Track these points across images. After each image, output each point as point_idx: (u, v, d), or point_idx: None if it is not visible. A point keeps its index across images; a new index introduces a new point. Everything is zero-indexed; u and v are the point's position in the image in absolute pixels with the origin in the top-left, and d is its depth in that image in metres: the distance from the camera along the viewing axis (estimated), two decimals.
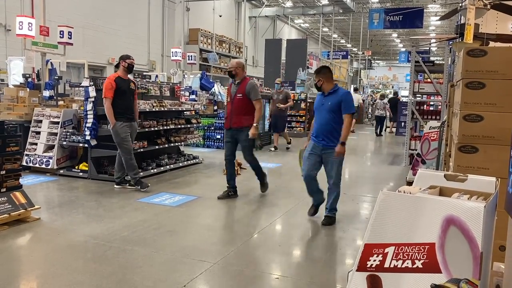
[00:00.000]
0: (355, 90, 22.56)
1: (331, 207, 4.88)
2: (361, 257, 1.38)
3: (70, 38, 8.29)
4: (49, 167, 6.91)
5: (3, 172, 4.50)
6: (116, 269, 3.46)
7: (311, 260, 3.89)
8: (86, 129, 6.56)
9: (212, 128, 11.05)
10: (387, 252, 1.35)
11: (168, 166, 7.59)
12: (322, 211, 5.05)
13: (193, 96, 11.57)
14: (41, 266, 3.55)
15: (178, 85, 9.59)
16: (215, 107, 12.47)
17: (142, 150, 7.11)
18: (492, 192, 1.52)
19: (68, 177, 6.78)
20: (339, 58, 25.48)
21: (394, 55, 40.83)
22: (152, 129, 7.28)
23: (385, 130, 18.13)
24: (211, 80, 14.34)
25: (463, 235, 1.26)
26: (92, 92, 6.52)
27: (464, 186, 1.66)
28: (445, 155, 4.35)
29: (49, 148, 7.05)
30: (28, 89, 7.61)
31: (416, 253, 1.31)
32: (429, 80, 9.39)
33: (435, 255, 1.29)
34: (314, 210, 5.10)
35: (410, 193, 1.43)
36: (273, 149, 11.04)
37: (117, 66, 6.27)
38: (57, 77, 8.01)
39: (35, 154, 7.03)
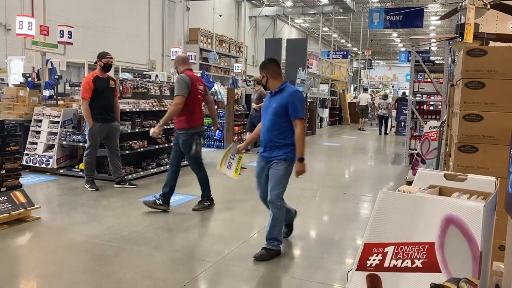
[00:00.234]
0: (365, 90, 22.76)
1: (269, 235, 3.84)
2: (361, 257, 1.38)
3: (70, 38, 8.28)
4: (49, 166, 6.91)
5: (3, 171, 4.50)
6: (116, 269, 3.46)
7: (311, 260, 3.89)
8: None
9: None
10: (387, 252, 1.35)
11: (168, 166, 7.59)
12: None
13: None
14: (41, 266, 3.55)
15: None
16: (216, 107, 12.44)
17: (142, 149, 7.11)
18: (491, 191, 1.52)
19: (68, 177, 6.78)
20: (339, 58, 25.49)
21: (394, 55, 40.83)
22: (152, 128, 7.28)
23: (390, 130, 18.18)
24: (211, 80, 14.32)
25: (463, 234, 1.26)
26: None
27: (464, 186, 1.67)
28: (445, 155, 4.35)
29: (49, 147, 7.05)
30: (28, 89, 7.61)
31: (416, 253, 1.31)
32: (429, 79, 9.39)
33: (435, 255, 1.29)
34: (287, 230, 4.35)
35: (410, 193, 1.43)
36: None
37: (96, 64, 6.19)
38: (57, 77, 8.00)
39: (35, 154, 7.03)
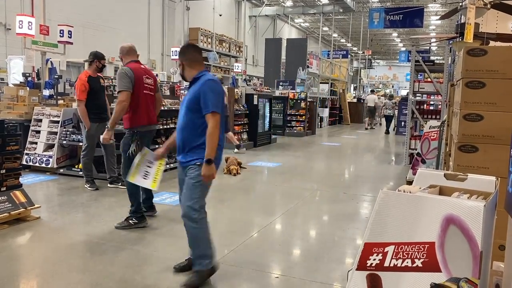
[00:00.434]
0: (372, 91, 22.96)
1: (194, 255, 3.23)
2: (361, 256, 1.38)
3: (70, 37, 8.29)
4: (49, 166, 6.91)
5: (3, 171, 4.50)
6: (116, 268, 3.46)
7: (311, 259, 3.88)
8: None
9: None
10: (387, 251, 1.35)
11: (168, 166, 7.59)
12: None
13: None
14: (41, 265, 3.55)
15: (178, 84, 9.58)
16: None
17: None
18: (492, 191, 1.52)
19: (68, 176, 6.78)
20: (339, 58, 25.50)
21: (394, 55, 40.85)
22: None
23: (394, 129, 18.22)
24: None
25: (463, 234, 1.26)
26: None
27: (464, 186, 1.66)
28: (445, 155, 4.35)
29: (49, 147, 7.05)
30: (28, 88, 7.61)
31: (416, 252, 1.31)
32: (429, 79, 9.39)
33: (435, 254, 1.29)
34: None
35: (410, 192, 1.43)
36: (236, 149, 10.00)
37: (90, 64, 6.12)
38: (57, 76, 8.01)
39: (35, 153, 7.03)
